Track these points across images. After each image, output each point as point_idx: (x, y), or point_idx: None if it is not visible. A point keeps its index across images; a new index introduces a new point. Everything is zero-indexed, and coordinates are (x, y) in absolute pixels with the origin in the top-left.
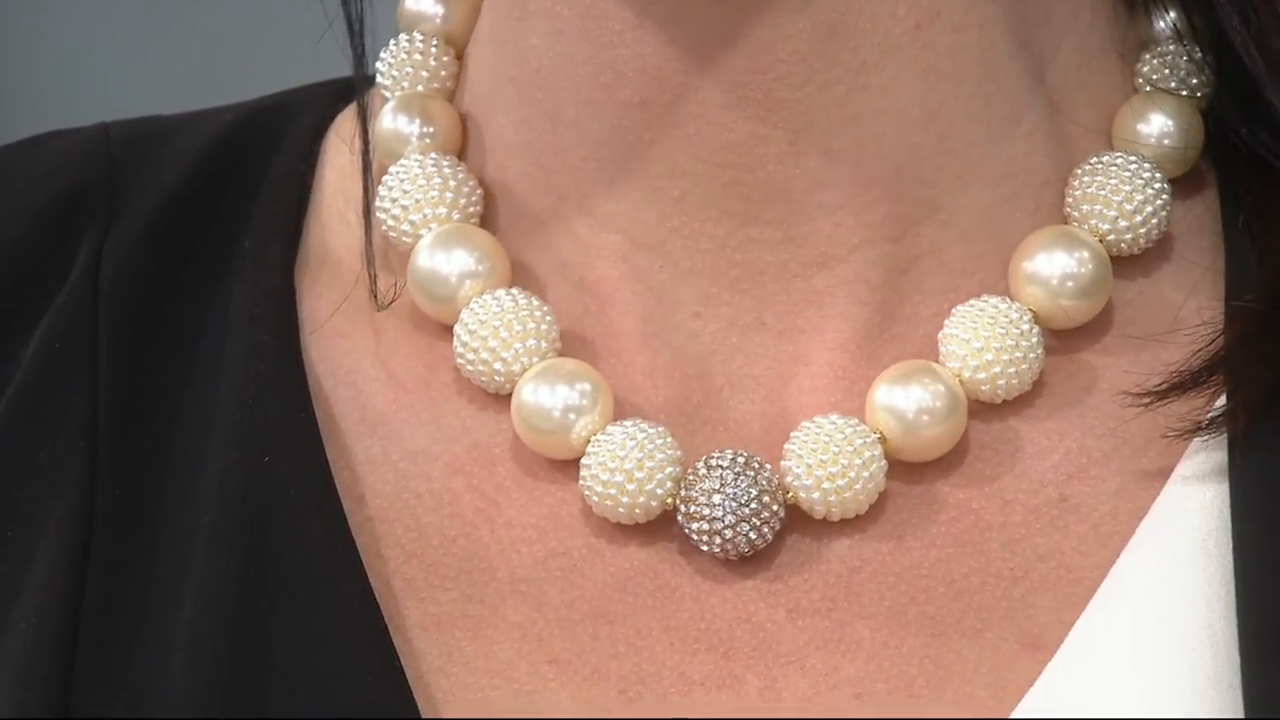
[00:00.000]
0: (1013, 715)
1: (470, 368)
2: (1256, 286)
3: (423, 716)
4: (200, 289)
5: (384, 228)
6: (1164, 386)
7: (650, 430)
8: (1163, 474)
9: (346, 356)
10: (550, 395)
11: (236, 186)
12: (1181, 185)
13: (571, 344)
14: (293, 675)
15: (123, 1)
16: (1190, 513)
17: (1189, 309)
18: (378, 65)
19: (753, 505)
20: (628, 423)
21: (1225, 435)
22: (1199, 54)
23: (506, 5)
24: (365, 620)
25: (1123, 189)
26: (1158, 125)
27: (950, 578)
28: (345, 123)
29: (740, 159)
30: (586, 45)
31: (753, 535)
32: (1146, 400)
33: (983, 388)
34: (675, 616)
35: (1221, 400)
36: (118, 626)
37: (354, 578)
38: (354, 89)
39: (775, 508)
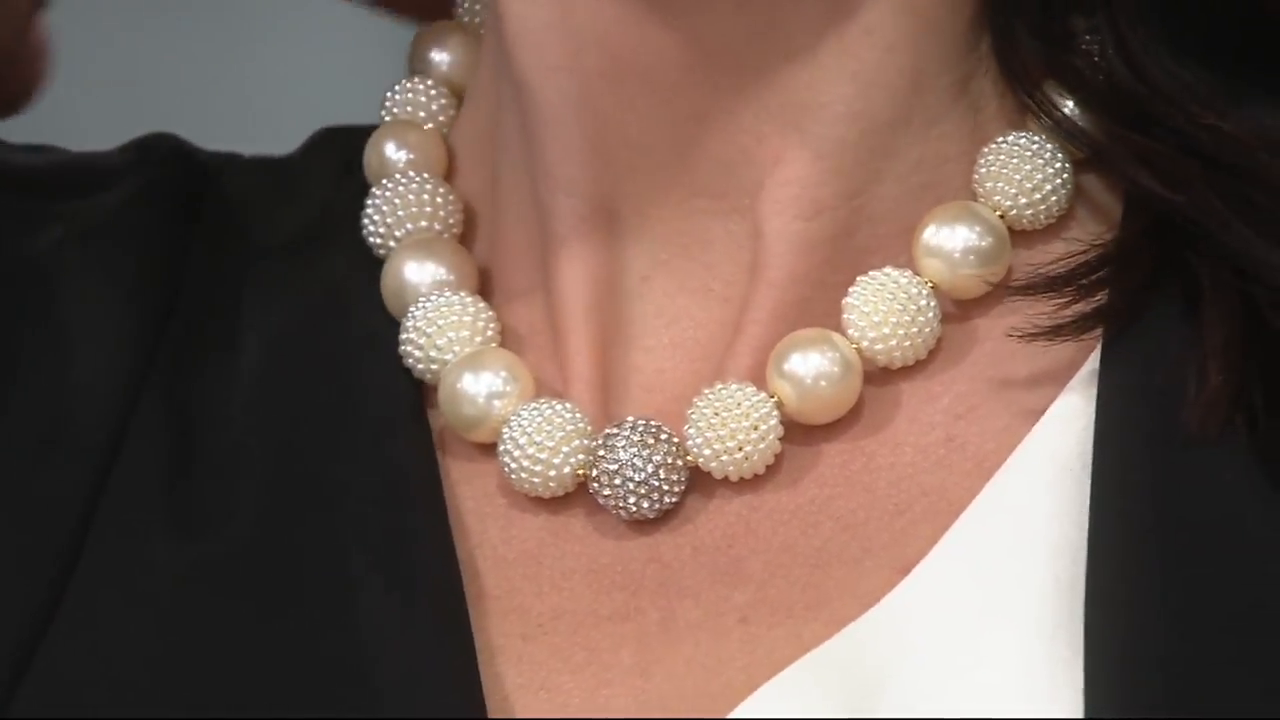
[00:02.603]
0: (859, 622)
1: (411, 362)
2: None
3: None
4: None
5: (373, 248)
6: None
7: (558, 407)
8: (1045, 408)
9: None
10: (474, 382)
11: None
12: (1094, 165)
13: (515, 329)
14: None
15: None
16: (1059, 437)
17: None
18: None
19: (647, 474)
20: (541, 402)
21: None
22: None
23: None
24: None
25: (1023, 167)
26: (1068, 107)
27: (839, 514)
28: None
29: (686, 134)
30: (549, 12)
31: (656, 501)
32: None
33: (879, 357)
34: (596, 561)
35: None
36: None
37: None
38: None
39: (674, 475)
